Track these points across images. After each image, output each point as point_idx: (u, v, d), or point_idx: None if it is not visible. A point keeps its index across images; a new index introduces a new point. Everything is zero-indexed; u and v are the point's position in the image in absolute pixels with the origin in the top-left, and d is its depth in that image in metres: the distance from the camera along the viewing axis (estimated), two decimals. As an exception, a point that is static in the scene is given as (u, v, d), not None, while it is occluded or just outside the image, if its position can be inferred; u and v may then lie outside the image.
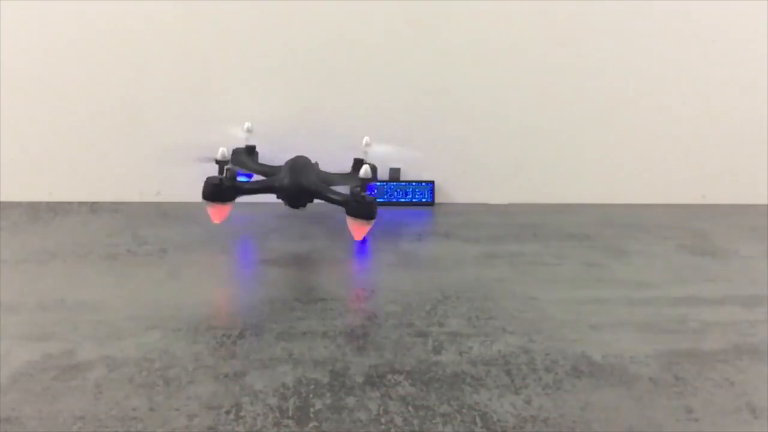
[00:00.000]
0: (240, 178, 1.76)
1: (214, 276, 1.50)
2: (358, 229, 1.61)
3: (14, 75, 1.93)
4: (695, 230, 1.85)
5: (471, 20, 1.98)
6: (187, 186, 1.99)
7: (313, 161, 1.78)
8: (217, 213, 1.63)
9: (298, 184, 1.64)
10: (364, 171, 1.58)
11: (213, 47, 1.96)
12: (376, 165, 1.92)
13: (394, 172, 2.04)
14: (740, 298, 1.40)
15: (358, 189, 1.59)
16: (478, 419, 0.97)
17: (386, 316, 1.28)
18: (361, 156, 1.88)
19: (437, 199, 2.05)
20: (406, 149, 2.01)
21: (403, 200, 2.03)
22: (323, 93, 2.01)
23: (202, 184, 1.61)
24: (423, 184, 2.04)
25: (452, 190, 2.07)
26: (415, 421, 0.96)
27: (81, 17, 1.91)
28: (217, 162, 1.60)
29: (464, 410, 0.99)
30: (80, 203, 1.98)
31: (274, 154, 1.91)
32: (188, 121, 1.99)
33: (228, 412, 0.97)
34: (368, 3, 1.95)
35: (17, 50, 1.91)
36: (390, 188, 2.04)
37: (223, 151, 1.61)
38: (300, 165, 1.70)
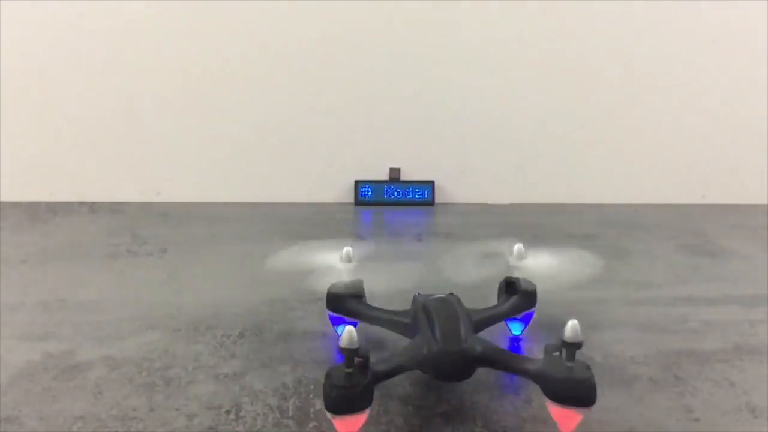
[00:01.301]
0: (342, 327, 1.15)
1: (215, 276, 1.50)
2: (567, 419, 0.95)
3: (14, 75, 1.93)
4: (695, 230, 1.85)
5: (471, 20, 1.98)
6: (187, 186, 1.99)
7: (455, 299, 1.13)
8: (352, 425, 0.93)
9: (459, 349, 0.99)
10: (572, 329, 0.91)
11: (214, 47, 1.96)
12: (532, 282, 1.24)
13: (394, 172, 2.04)
14: (740, 298, 1.40)
15: (559, 354, 0.94)
16: (478, 419, 0.97)
17: (386, 316, 1.28)
18: (512, 273, 1.28)
19: (437, 199, 2.05)
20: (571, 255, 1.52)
21: (403, 200, 2.03)
22: (321, 93, 2.01)
23: (325, 385, 0.91)
24: (423, 184, 2.04)
25: (452, 190, 2.07)
26: (415, 421, 0.96)
27: (81, 17, 1.91)
28: (342, 351, 0.91)
29: (464, 410, 0.99)
30: (80, 203, 1.98)
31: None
32: (188, 122, 1.99)
33: (228, 412, 0.97)
34: (367, 3, 1.95)
35: (17, 50, 1.91)
36: (390, 188, 2.03)
37: (352, 335, 0.91)
38: (450, 313, 1.06)
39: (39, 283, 1.43)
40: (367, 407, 0.94)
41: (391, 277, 1.47)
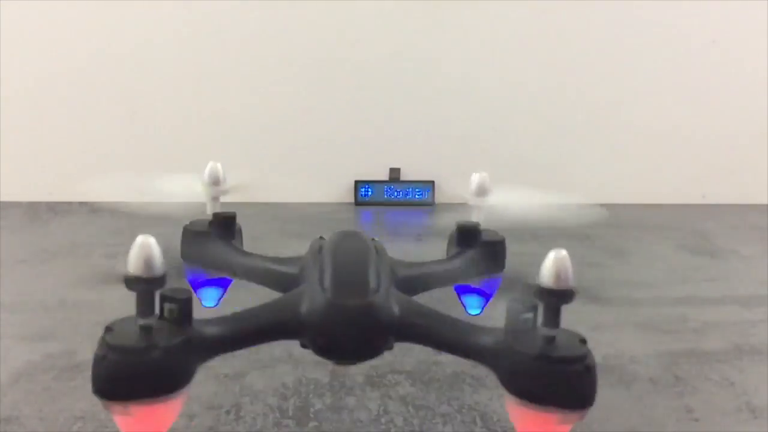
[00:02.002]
0: (205, 289, 0.85)
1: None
2: (541, 429, 0.57)
3: (14, 75, 1.93)
4: (695, 230, 1.85)
5: (471, 21, 1.98)
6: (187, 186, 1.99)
7: (369, 237, 0.77)
8: (147, 422, 0.56)
9: (362, 304, 0.62)
10: (554, 268, 0.56)
11: (214, 47, 1.96)
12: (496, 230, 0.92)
13: (394, 172, 2.04)
14: (740, 298, 1.40)
15: (530, 317, 0.58)
16: (478, 419, 0.96)
17: (386, 316, 1.28)
18: (471, 215, 0.92)
19: (437, 199, 2.05)
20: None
21: (403, 200, 2.04)
22: (321, 94, 2.01)
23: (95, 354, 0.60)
24: (423, 184, 2.04)
25: (452, 190, 2.08)
26: (415, 421, 0.96)
27: (81, 17, 1.91)
28: (130, 282, 0.58)
29: (464, 410, 0.98)
30: (80, 203, 1.98)
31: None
32: (188, 121, 1.99)
33: (228, 412, 0.97)
34: (367, 3, 1.95)
35: (17, 50, 1.91)
36: (390, 188, 2.03)
37: (149, 250, 0.59)
38: (354, 253, 0.69)
39: (39, 283, 1.42)
40: (177, 390, 0.55)
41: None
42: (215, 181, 0.88)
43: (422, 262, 0.81)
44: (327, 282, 0.62)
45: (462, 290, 0.86)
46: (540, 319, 0.56)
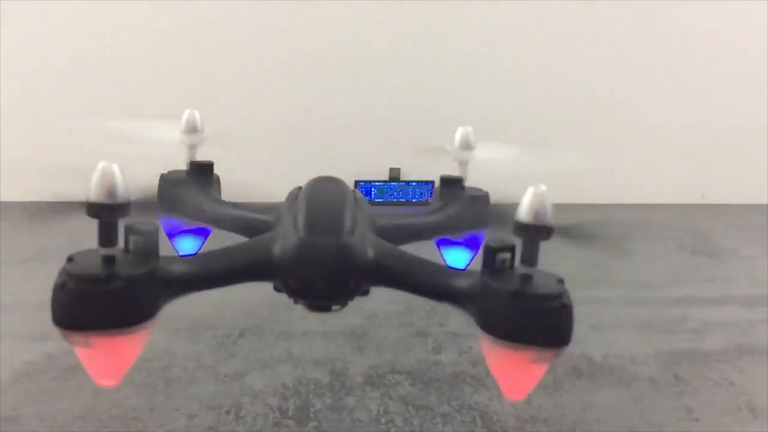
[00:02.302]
0: (182, 238, 0.83)
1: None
2: (517, 368, 0.57)
3: (15, 74, 1.93)
4: (695, 230, 1.85)
5: (471, 21, 1.98)
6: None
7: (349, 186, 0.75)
8: (107, 356, 0.58)
9: (336, 244, 0.61)
10: (532, 202, 0.56)
11: (213, 47, 1.96)
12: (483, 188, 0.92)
13: (394, 172, 2.04)
14: (740, 298, 1.40)
15: (508, 257, 0.58)
16: (478, 419, 0.97)
17: (386, 316, 1.28)
18: (454, 170, 0.93)
19: (437, 199, 2.05)
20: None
21: (403, 200, 2.03)
22: (320, 94, 2.01)
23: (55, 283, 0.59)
24: (423, 184, 2.04)
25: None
26: (415, 421, 0.96)
27: (81, 17, 1.91)
28: (92, 208, 0.57)
29: (464, 410, 0.98)
30: (80, 203, 1.98)
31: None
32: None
33: (228, 412, 0.97)
34: (367, 3, 1.95)
35: (18, 50, 1.91)
36: (390, 188, 2.03)
37: (110, 174, 0.59)
38: (330, 196, 0.68)
39: (39, 283, 1.42)
40: (138, 323, 0.52)
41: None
42: (193, 129, 0.84)
43: (403, 214, 0.78)
44: (300, 222, 0.60)
45: (443, 244, 0.82)
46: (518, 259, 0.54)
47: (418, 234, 0.75)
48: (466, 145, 0.86)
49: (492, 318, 0.53)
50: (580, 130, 2.07)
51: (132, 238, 0.54)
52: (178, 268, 0.56)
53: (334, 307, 0.65)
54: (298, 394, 1.02)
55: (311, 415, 0.97)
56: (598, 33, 2.01)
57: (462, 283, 0.58)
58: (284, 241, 0.59)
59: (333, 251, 0.58)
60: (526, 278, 0.54)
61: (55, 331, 1.24)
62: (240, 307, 1.30)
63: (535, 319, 0.52)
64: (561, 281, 0.55)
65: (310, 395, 1.01)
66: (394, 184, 2.03)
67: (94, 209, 0.54)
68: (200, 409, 0.98)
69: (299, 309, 1.31)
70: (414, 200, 2.03)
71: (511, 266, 0.56)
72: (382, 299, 1.36)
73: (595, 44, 2.01)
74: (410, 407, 0.99)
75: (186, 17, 1.93)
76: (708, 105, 2.06)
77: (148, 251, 0.54)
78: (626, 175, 2.10)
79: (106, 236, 0.53)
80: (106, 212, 0.53)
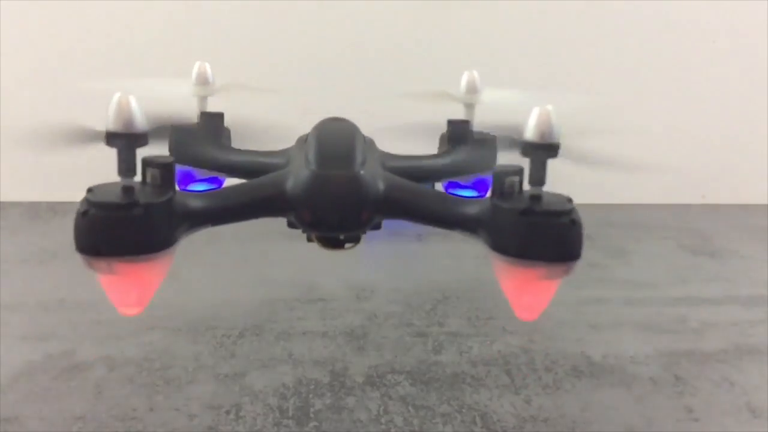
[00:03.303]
0: (196, 186, 0.85)
1: (215, 276, 1.50)
2: (528, 285, 0.60)
3: (15, 74, 1.93)
4: (695, 230, 1.85)
5: (471, 21, 1.98)
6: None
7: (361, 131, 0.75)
8: (130, 283, 0.59)
9: (347, 174, 0.62)
10: (538, 121, 0.60)
11: (213, 47, 1.96)
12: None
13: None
14: (740, 298, 1.40)
15: (516, 180, 0.61)
16: (478, 419, 0.97)
17: (386, 316, 1.28)
18: (464, 114, 0.92)
19: (437, 199, 2.05)
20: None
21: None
22: (321, 95, 2.01)
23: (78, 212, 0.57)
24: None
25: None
26: (415, 421, 0.96)
27: (82, 17, 1.91)
28: (114, 138, 0.59)
29: (464, 410, 0.99)
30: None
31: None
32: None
33: (228, 412, 0.97)
34: (367, 3, 1.95)
35: (18, 49, 1.91)
36: (390, 188, 2.03)
37: (127, 105, 0.60)
38: (341, 133, 0.70)
39: (39, 283, 1.43)
40: (159, 250, 0.55)
41: (392, 276, 1.47)
42: (203, 81, 0.88)
43: (412, 156, 0.81)
44: (312, 156, 0.62)
45: (452, 187, 0.84)
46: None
47: (426, 176, 0.78)
48: (473, 89, 0.88)
49: (503, 237, 0.56)
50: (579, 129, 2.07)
51: (149, 171, 0.56)
52: (194, 203, 0.60)
53: (348, 245, 0.68)
54: (298, 394, 1.02)
55: (311, 415, 0.97)
56: (597, 33, 2.01)
57: (472, 209, 0.61)
58: (297, 176, 0.62)
59: (345, 182, 0.60)
60: (535, 198, 0.56)
61: (54, 331, 1.24)
62: (240, 307, 1.30)
63: (545, 235, 0.55)
64: (570, 200, 0.58)
65: (310, 395, 1.01)
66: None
67: (112, 139, 0.56)
68: (200, 409, 0.98)
69: (299, 309, 1.31)
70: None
71: (520, 190, 0.59)
72: (382, 299, 1.36)
73: (594, 43, 2.01)
74: (410, 407, 0.99)
75: (184, 17, 1.93)
76: (708, 105, 2.06)
77: (165, 183, 0.57)
78: (626, 175, 2.10)
79: (125, 166, 0.56)
80: (124, 141, 0.56)
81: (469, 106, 0.90)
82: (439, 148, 0.86)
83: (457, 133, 0.84)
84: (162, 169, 0.56)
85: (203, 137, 0.81)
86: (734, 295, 1.41)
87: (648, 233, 1.82)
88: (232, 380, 1.05)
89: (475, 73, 0.89)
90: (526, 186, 0.59)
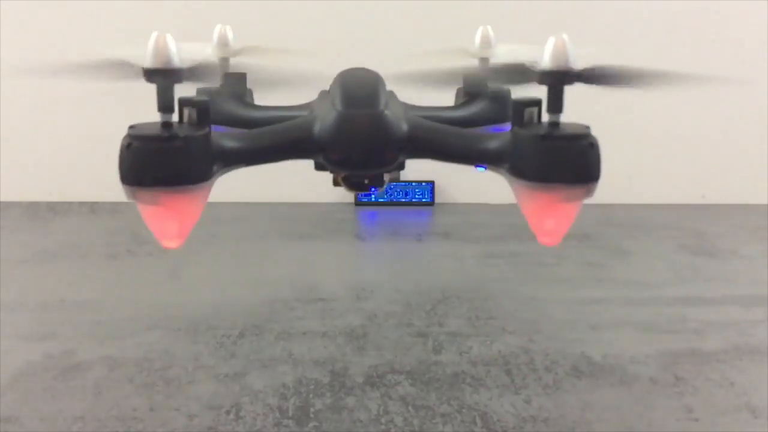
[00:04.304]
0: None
1: (215, 276, 1.50)
2: (550, 210, 0.65)
3: (14, 74, 1.93)
4: (695, 230, 1.85)
5: (470, 20, 1.97)
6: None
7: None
8: (171, 214, 0.63)
9: (372, 113, 0.65)
10: (556, 49, 0.63)
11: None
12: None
13: (394, 174, 2.04)
14: (740, 298, 1.40)
15: (534, 110, 0.64)
16: (478, 419, 0.97)
17: (386, 316, 1.28)
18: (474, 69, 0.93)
19: (437, 199, 2.05)
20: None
21: (403, 200, 2.03)
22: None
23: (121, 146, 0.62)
24: (423, 184, 2.04)
25: (452, 190, 2.07)
26: (415, 421, 0.96)
27: (81, 17, 1.91)
28: (150, 74, 0.62)
29: (464, 410, 0.98)
30: (80, 203, 1.98)
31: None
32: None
33: (228, 412, 0.97)
34: (368, 3, 1.95)
35: (17, 49, 1.91)
36: (390, 188, 2.03)
37: (165, 44, 0.61)
38: (364, 78, 0.72)
39: (39, 283, 1.43)
40: (199, 181, 0.58)
41: (392, 276, 1.47)
42: (224, 43, 0.90)
43: (429, 107, 0.83)
44: (337, 99, 0.64)
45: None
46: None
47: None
48: (487, 44, 0.90)
49: (524, 163, 0.57)
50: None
51: (186, 110, 0.59)
52: (228, 142, 0.62)
53: (372, 188, 0.73)
54: (298, 394, 1.02)
55: (311, 415, 0.97)
56: (595, 32, 2.01)
57: (494, 143, 0.63)
58: (324, 118, 0.64)
59: (370, 120, 0.62)
60: (554, 124, 0.59)
61: (54, 331, 1.25)
62: (240, 307, 1.30)
63: (565, 158, 0.58)
64: (587, 127, 0.61)
65: (310, 395, 1.01)
66: (394, 184, 2.03)
67: (151, 75, 0.58)
68: (200, 409, 0.98)
69: (299, 309, 1.31)
70: (414, 200, 2.03)
71: (539, 120, 0.60)
72: (382, 299, 1.36)
73: (594, 44, 2.01)
74: (410, 407, 0.99)
75: (183, 17, 1.93)
76: (708, 105, 2.06)
77: (201, 121, 0.59)
78: (626, 175, 2.10)
79: (164, 101, 0.59)
80: (162, 77, 0.58)
81: (484, 61, 0.91)
82: (456, 100, 0.88)
83: (473, 87, 0.86)
84: (198, 108, 0.59)
85: (228, 97, 0.84)
86: (734, 295, 1.41)
87: (648, 233, 1.82)
88: (232, 380, 1.05)
89: (489, 29, 0.91)
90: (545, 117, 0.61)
